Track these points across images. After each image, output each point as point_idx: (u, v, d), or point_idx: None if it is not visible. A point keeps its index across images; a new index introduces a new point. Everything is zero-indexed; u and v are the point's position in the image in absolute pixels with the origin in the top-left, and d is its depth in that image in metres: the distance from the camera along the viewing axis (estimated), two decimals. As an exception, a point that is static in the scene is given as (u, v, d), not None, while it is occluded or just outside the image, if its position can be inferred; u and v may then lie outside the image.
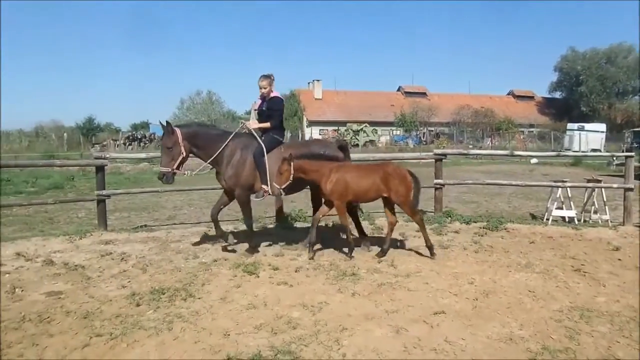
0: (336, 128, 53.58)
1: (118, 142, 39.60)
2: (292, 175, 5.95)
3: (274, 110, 6.67)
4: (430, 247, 6.36)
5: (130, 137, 42.40)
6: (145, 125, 58.71)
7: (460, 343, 3.82)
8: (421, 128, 53.47)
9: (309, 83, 61.42)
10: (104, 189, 8.14)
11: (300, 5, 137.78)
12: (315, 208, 6.98)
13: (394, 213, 6.54)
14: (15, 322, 4.27)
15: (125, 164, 22.17)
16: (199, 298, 4.84)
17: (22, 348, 3.80)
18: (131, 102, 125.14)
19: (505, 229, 7.97)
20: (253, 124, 6.89)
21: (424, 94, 61.64)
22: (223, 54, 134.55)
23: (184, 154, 6.21)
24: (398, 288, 5.09)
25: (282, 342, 3.79)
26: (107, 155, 8.55)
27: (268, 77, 6.65)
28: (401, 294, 4.91)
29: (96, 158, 8.38)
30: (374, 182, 6.18)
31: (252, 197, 6.54)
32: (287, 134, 53.17)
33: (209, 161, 6.42)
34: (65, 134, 40.19)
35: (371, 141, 50.89)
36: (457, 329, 4.09)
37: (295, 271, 5.67)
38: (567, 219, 8.78)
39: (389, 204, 6.45)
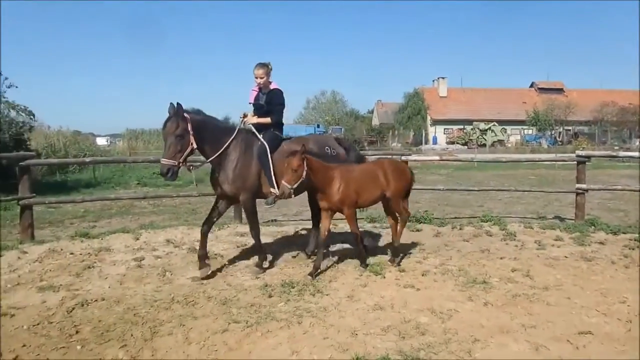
0: (462, 127, 51.70)
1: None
2: (305, 172, 5.17)
3: (274, 105, 5.94)
4: (395, 249, 6.05)
5: (260, 135, 44.89)
6: (273, 125, 61.81)
7: (612, 369, 3.43)
8: (557, 127, 49.38)
9: (433, 81, 60.07)
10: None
11: (422, 3, 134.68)
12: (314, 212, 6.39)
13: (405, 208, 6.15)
14: (166, 303, 4.76)
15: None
16: (327, 294, 4.95)
17: (172, 327, 4.20)
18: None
19: (663, 244, 7.00)
20: (252, 117, 5.99)
21: (560, 90, 56.96)
22: (347, 54, 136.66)
23: (194, 145, 5.34)
24: (535, 301, 4.72)
25: (410, 348, 3.73)
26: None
27: (265, 65, 5.89)
28: (539, 308, 4.54)
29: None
30: (379, 182, 5.71)
31: (263, 203, 5.83)
32: (411, 134, 52.71)
33: (212, 157, 5.57)
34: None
35: (500, 141, 48.22)
36: (607, 353, 3.68)
37: (422, 275, 5.54)
38: None
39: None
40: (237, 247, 6.87)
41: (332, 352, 3.70)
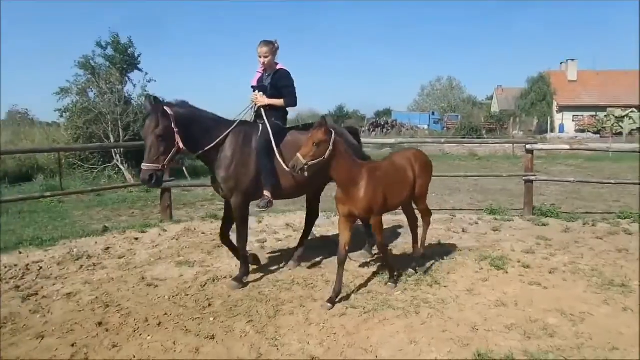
0: (594, 114, 47.05)
1: (363, 128, 42.35)
2: (328, 151, 4.13)
3: (283, 87, 5.10)
4: (420, 258, 5.39)
5: (374, 124, 45.07)
6: (387, 113, 61.42)
7: None
8: None
9: (561, 63, 55.23)
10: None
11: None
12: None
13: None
14: (287, 284, 5.01)
15: (369, 149, 23.55)
16: (445, 286, 4.85)
17: (293, 307, 4.41)
18: (375, 90, 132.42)
19: None
20: (262, 98, 5.11)
21: None
22: (465, 37, 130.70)
23: (180, 144, 4.51)
24: (687, 310, 4.19)
25: (537, 349, 3.53)
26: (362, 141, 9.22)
27: (271, 43, 5.09)
28: (692, 319, 4.03)
29: (349, 143, 9.07)
30: (408, 180, 4.88)
31: (256, 207, 5.08)
32: (534, 121, 49.11)
33: (201, 152, 4.74)
34: (319, 121, 45.15)
35: (639, 129, 43.08)
36: None
37: (550, 272, 5.19)
38: None
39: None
40: (354, 233, 6.94)
41: (451, 346, 3.63)
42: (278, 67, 5.19)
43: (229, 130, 4.81)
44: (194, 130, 4.63)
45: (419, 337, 3.78)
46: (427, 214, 5.35)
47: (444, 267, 5.42)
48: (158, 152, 4.40)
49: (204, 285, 4.98)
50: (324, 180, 5.41)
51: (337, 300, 4.48)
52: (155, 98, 4.50)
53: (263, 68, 5.21)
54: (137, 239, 6.77)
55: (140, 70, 16.44)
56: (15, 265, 5.60)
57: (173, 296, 4.73)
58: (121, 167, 13.88)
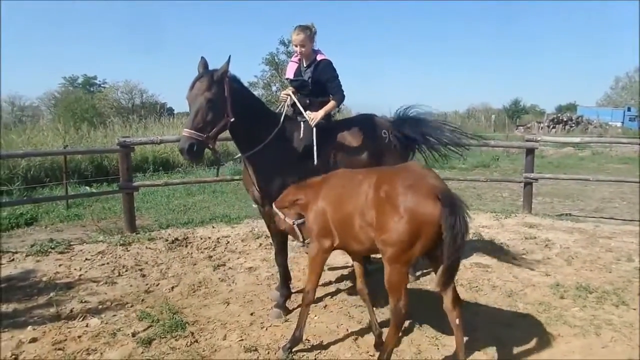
0: None
1: (542, 125, 38.77)
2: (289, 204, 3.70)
3: (327, 81, 4.30)
4: None
5: (555, 120, 40.84)
6: (571, 107, 55.21)
7: None
8: None
9: None
10: (532, 172, 8.18)
11: None
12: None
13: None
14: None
15: (548, 147, 21.59)
16: (634, 309, 4.28)
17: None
18: (558, 83, 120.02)
19: None
20: (315, 115, 4.22)
21: None
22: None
23: (231, 117, 3.82)
24: None
25: None
26: (539, 138, 8.56)
27: (307, 29, 4.26)
28: None
29: (527, 140, 8.46)
30: (362, 210, 3.16)
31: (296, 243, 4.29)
32: None
33: (249, 153, 4.11)
34: (492, 116, 42.66)
35: None
36: None
37: None
38: None
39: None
40: (525, 238, 6.51)
41: (639, 377, 3.21)
42: (319, 57, 4.39)
43: (277, 129, 4.16)
44: (243, 114, 3.93)
45: (598, 360, 3.42)
46: (394, 304, 3.12)
47: (634, 286, 4.77)
48: (205, 119, 3.70)
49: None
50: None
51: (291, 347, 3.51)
52: (229, 60, 3.81)
53: (298, 57, 4.49)
54: (308, 224, 7.26)
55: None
56: (209, 238, 6.49)
57: (339, 282, 5.00)
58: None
